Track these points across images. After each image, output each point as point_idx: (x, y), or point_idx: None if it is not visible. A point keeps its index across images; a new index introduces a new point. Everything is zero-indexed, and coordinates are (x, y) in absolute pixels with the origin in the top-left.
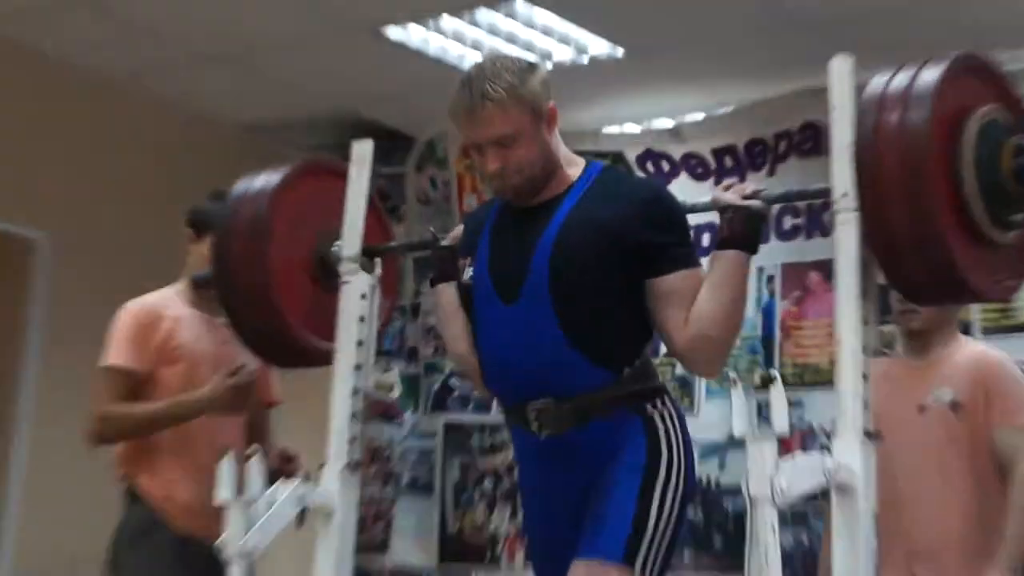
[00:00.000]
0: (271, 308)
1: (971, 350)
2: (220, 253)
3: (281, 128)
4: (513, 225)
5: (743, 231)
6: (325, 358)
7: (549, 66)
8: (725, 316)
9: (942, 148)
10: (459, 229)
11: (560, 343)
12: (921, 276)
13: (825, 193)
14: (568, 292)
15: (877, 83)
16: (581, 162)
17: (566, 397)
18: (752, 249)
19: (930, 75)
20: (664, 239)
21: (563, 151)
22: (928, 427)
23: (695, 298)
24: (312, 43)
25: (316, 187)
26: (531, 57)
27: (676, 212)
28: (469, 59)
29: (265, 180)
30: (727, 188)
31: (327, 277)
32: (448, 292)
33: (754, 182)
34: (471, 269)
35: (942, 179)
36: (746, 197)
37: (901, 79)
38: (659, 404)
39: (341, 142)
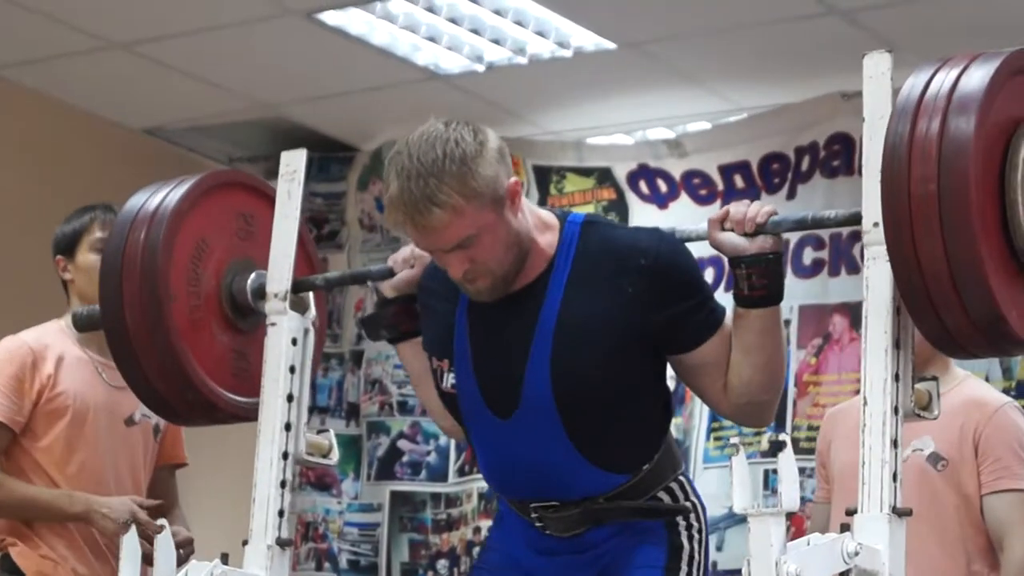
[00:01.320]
0: (171, 355)
1: (967, 392)
2: (108, 287)
3: (190, 133)
4: (493, 319)
5: (764, 286)
6: (239, 415)
7: (524, 61)
8: (768, 377)
9: (988, 166)
10: (404, 275)
11: (572, 456)
12: (956, 321)
13: (853, 220)
14: (577, 405)
15: (913, 84)
16: (555, 224)
17: (574, 501)
18: (777, 300)
19: (977, 76)
20: (679, 308)
21: (532, 219)
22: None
23: (729, 355)
24: (230, 29)
25: (227, 206)
26: (477, 136)
27: (685, 269)
28: (424, 51)
29: (164, 196)
30: (724, 220)
31: (240, 316)
32: (411, 354)
33: (771, 205)
34: (451, 375)
35: (986, 203)
36: (750, 233)
37: (941, 80)
38: (680, 496)
39: (265, 152)
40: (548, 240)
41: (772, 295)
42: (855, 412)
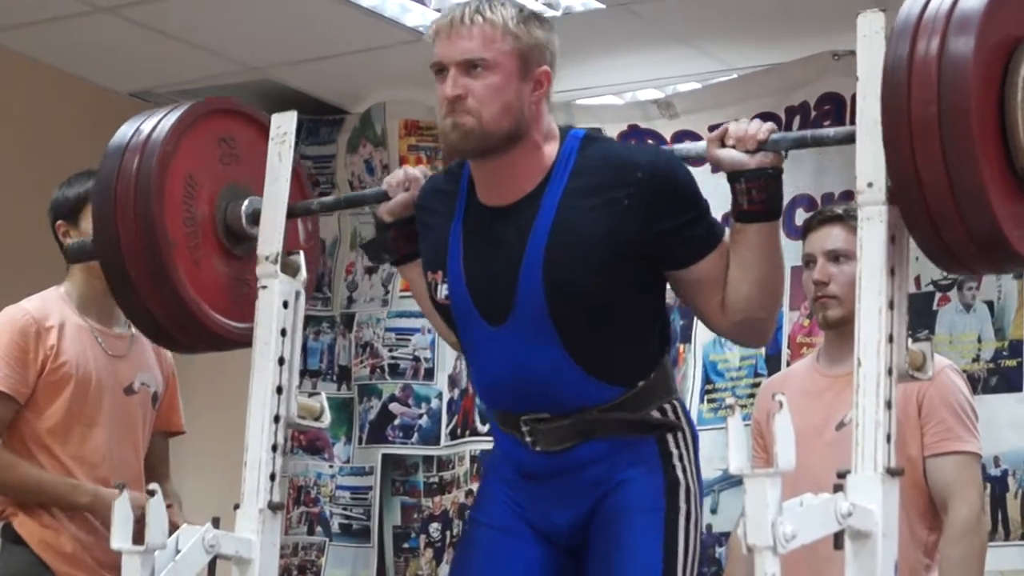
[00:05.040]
0: (168, 283)
1: None
2: (102, 217)
3: (178, 97)
4: (487, 230)
5: (763, 200)
6: (237, 340)
7: None
8: (765, 294)
9: (988, 85)
10: (400, 199)
11: (567, 364)
12: (955, 235)
13: (851, 137)
14: (571, 312)
15: (912, 4)
16: (557, 137)
17: (566, 412)
18: (776, 215)
19: None
20: (676, 222)
21: (543, 121)
22: (846, 448)
23: (727, 273)
24: None
25: (218, 133)
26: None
27: (682, 182)
28: (413, 13)
29: (155, 124)
30: (723, 137)
31: (234, 242)
32: (414, 275)
33: (771, 123)
34: (444, 287)
35: (986, 122)
36: (752, 150)
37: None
38: (673, 423)
39: None
40: (548, 151)
41: (771, 210)
42: (795, 379)
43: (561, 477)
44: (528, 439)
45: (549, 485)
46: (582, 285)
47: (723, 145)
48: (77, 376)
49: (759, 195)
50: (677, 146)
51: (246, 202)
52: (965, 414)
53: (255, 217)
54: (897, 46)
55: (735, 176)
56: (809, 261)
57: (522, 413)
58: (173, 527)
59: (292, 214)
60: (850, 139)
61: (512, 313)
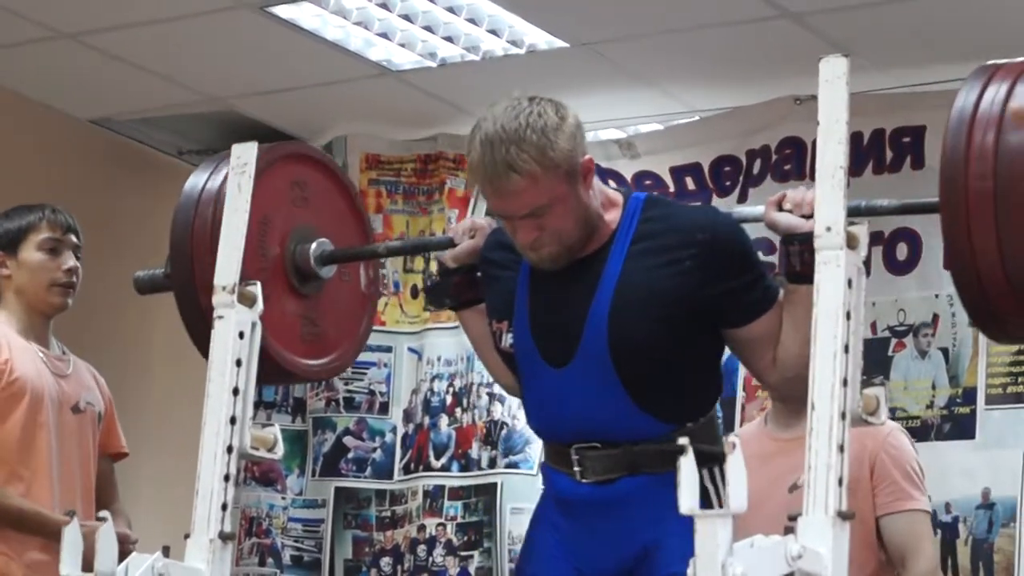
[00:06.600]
0: None
1: None
2: (179, 252)
3: (138, 125)
4: (553, 285)
5: (815, 263)
6: (311, 376)
7: (476, 58)
8: None
9: None
10: (466, 246)
11: (621, 401)
12: (1003, 304)
13: (927, 208)
14: (632, 360)
15: (965, 100)
16: (619, 201)
17: (617, 442)
18: None
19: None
20: (734, 284)
21: (600, 196)
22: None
23: (780, 331)
24: (181, 21)
25: (291, 177)
26: (557, 107)
27: (741, 245)
28: (377, 47)
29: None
30: (780, 202)
31: (302, 281)
32: (471, 320)
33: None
34: (510, 336)
35: None
36: (808, 215)
37: (993, 95)
38: (715, 473)
39: (215, 145)
40: (612, 216)
41: None
42: (744, 443)
43: (605, 513)
44: (577, 468)
45: (594, 524)
46: (644, 337)
47: (780, 209)
48: (30, 390)
49: (811, 257)
50: (736, 208)
51: (315, 244)
52: (915, 473)
53: (323, 258)
54: (954, 138)
55: (789, 239)
56: None
57: (574, 442)
58: (123, 546)
59: (359, 258)
60: (903, 211)
61: (575, 358)
